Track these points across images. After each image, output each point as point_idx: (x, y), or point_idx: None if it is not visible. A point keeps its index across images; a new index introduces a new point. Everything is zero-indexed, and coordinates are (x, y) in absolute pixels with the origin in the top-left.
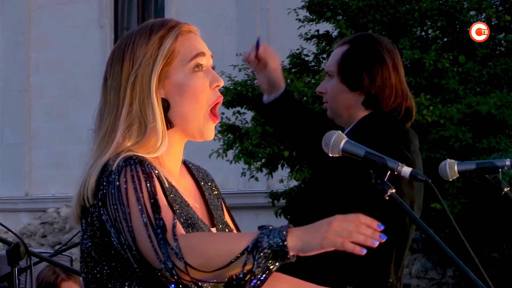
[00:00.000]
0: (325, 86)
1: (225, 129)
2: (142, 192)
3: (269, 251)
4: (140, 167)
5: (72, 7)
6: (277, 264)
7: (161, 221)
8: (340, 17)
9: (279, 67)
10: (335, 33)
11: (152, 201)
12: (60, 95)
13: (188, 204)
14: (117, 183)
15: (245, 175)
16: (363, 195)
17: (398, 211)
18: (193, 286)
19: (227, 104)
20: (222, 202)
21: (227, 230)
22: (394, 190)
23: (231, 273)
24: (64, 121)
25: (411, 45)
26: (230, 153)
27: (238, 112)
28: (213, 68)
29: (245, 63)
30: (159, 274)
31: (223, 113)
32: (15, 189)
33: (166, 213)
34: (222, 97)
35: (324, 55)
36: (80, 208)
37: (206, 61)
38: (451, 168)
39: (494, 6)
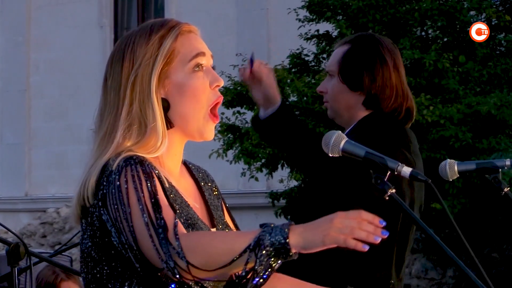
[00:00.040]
0: (325, 86)
1: (225, 129)
2: (142, 192)
3: (271, 249)
4: (140, 167)
5: (72, 7)
6: (279, 261)
7: (162, 221)
8: (340, 17)
9: (274, 81)
10: (335, 33)
11: (153, 200)
12: (60, 95)
13: (188, 204)
14: (118, 183)
15: (245, 175)
16: (364, 195)
17: (398, 211)
18: (194, 285)
19: (227, 104)
20: (222, 203)
21: (227, 230)
22: (394, 190)
23: (233, 271)
24: (64, 121)
25: (411, 45)
26: (230, 153)
27: (238, 112)
28: (213, 68)
29: (244, 65)
30: (160, 273)
31: (223, 113)
32: (15, 189)
33: (167, 213)
34: (222, 97)
35: (324, 55)
36: (80, 208)
37: (206, 61)
38: (451, 168)
39: (494, 6)
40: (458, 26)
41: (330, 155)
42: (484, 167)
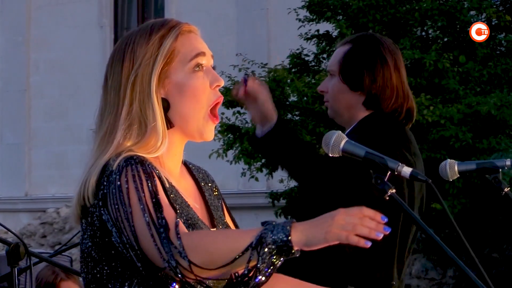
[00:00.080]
0: (326, 85)
1: (225, 129)
2: (143, 192)
3: (273, 247)
4: (141, 166)
5: (72, 7)
6: (281, 259)
7: (163, 220)
8: (340, 17)
9: (269, 98)
10: (335, 33)
11: (153, 200)
12: (60, 95)
13: (189, 205)
14: (118, 182)
15: (245, 175)
16: (364, 195)
17: (398, 212)
18: (196, 285)
19: (227, 104)
20: (223, 203)
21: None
22: (394, 190)
23: (235, 270)
24: (64, 121)
25: (411, 45)
26: (230, 153)
27: (238, 112)
28: (214, 68)
29: (244, 64)
30: (162, 273)
31: (223, 113)
32: (15, 189)
33: (168, 212)
34: (222, 97)
35: (324, 55)
36: (80, 208)
37: (207, 61)
38: (452, 168)
39: (494, 6)
40: (458, 26)
41: (330, 155)
42: (484, 167)
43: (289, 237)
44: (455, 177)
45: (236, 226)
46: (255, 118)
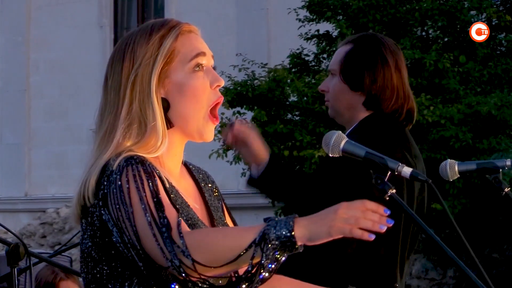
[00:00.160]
0: (327, 85)
1: None
2: (144, 192)
3: (277, 243)
4: (141, 166)
5: (71, 7)
6: (285, 255)
7: (165, 220)
8: (341, 17)
9: (259, 138)
10: (335, 33)
11: (155, 200)
12: (60, 95)
13: (189, 205)
14: (119, 182)
15: (245, 176)
16: (364, 195)
17: (399, 212)
18: (197, 284)
19: (227, 104)
20: (223, 204)
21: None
22: (394, 190)
23: (239, 267)
24: (64, 121)
25: (411, 45)
26: (230, 154)
27: (238, 112)
28: (214, 68)
29: (244, 64)
30: (165, 272)
31: (223, 113)
32: (14, 189)
33: (170, 211)
34: (223, 98)
35: (325, 55)
36: (80, 207)
37: (207, 61)
38: (452, 168)
39: (494, 6)
40: (458, 26)
41: (330, 155)
42: (484, 167)
43: (292, 233)
44: (455, 177)
45: None
46: (247, 160)
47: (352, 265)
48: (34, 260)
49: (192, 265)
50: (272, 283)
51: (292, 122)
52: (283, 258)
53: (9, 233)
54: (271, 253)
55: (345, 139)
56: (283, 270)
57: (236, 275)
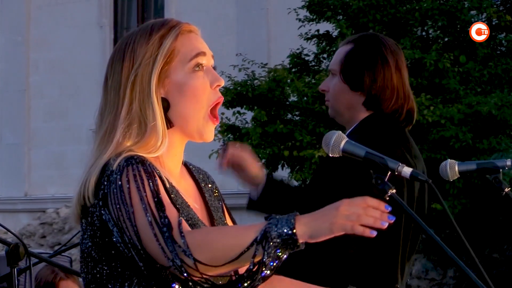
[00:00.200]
0: (327, 85)
1: (225, 129)
2: (145, 191)
3: (278, 240)
4: (142, 166)
5: (71, 7)
6: (287, 252)
7: (166, 219)
8: (341, 17)
9: (253, 160)
10: (335, 33)
11: (155, 199)
12: (59, 95)
13: (189, 205)
14: (119, 182)
15: None
16: (365, 195)
17: (400, 213)
18: (199, 284)
19: (227, 104)
20: (223, 204)
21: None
22: (394, 190)
23: (241, 265)
24: (63, 121)
25: (411, 45)
26: None
27: (238, 112)
28: (214, 68)
29: (244, 64)
30: (166, 272)
31: (223, 113)
32: (14, 189)
33: (171, 211)
34: (223, 98)
35: (325, 55)
36: (80, 207)
37: (207, 60)
38: (452, 168)
39: (495, 6)
40: (458, 26)
41: (331, 155)
42: (484, 167)
43: (294, 230)
44: (456, 177)
45: None
46: (244, 183)
47: (353, 265)
48: (34, 260)
49: (193, 265)
50: (273, 283)
51: (292, 122)
52: (285, 256)
53: (9, 233)
54: (273, 251)
55: (345, 139)
56: (284, 270)
57: (236, 275)
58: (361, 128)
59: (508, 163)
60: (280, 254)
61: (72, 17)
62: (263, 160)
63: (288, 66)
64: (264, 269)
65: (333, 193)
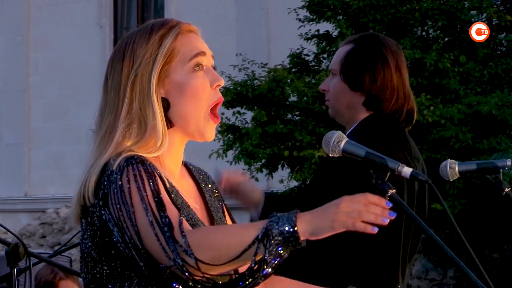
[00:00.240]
0: (327, 84)
1: (225, 129)
2: (145, 191)
3: (280, 238)
4: (142, 166)
5: (71, 7)
6: (288, 250)
7: (167, 219)
8: (341, 17)
9: (249, 183)
10: (335, 33)
11: (156, 199)
12: (59, 95)
13: (189, 205)
14: (120, 182)
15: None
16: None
17: (400, 213)
18: (200, 283)
19: (227, 104)
20: (223, 204)
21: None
22: (394, 190)
23: (242, 264)
24: (63, 121)
25: (411, 45)
26: (230, 154)
27: (238, 112)
28: (214, 68)
29: (244, 64)
30: (168, 271)
31: (223, 113)
32: (14, 189)
33: (172, 211)
34: (223, 98)
35: (325, 55)
36: (80, 207)
37: (207, 60)
38: (452, 168)
39: (495, 6)
40: (458, 26)
41: (331, 155)
42: (484, 168)
43: (295, 228)
44: (456, 178)
45: None
46: (244, 206)
47: (354, 265)
48: (33, 260)
49: (195, 264)
50: (273, 283)
51: (292, 122)
52: (286, 254)
53: (8, 233)
54: (274, 249)
55: (345, 139)
56: (284, 270)
57: (236, 274)
58: (361, 128)
59: (508, 163)
60: (281, 251)
61: (72, 17)
62: (263, 160)
63: (288, 66)
64: (265, 267)
65: (333, 193)
